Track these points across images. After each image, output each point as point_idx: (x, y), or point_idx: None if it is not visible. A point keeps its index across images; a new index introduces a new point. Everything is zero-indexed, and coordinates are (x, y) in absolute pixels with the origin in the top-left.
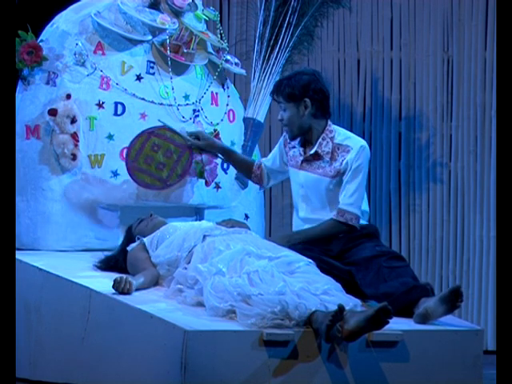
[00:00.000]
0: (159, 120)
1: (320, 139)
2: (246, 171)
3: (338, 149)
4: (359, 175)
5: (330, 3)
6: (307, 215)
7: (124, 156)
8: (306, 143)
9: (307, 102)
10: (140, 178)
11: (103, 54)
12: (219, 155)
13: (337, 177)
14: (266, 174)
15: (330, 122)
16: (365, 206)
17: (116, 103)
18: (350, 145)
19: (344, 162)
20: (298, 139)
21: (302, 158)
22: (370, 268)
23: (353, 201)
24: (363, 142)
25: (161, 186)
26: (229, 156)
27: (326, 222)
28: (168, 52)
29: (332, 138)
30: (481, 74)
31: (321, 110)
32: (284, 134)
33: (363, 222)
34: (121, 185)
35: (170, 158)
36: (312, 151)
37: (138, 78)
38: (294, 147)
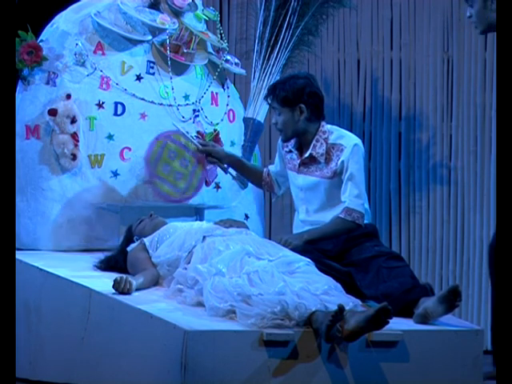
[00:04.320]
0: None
1: (314, 141)
2: (257, 180)
3: (333, 148)
4: (358, 173)
5: (332, 3)
6: (307, 217)
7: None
8: (301, 146)
9: (302, 107)
10: (158, 186)
11: (103, 54)
12: (229, 167)
13: (334, 177)
14: (274, 180)
15: (323, 123)
16: (366, 206)
17: (116, 103)
18: (344, 143)
19: (339, 162)
20: (293, 143)
21: (298, 162)
22: (370, 269)
23: (359, 200)
24: (356, 140)
25: (178, 197)
26: (240, 167)
27: (335, 220)
28: (168, 52)
29: (326, 139)
30: (481, 74)
31: (315, 114)
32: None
33: (365, 221)
34: (121, 185)
35: (186, 168)
36: (307, 154)
37: (138, 78)
38: (290, 151)
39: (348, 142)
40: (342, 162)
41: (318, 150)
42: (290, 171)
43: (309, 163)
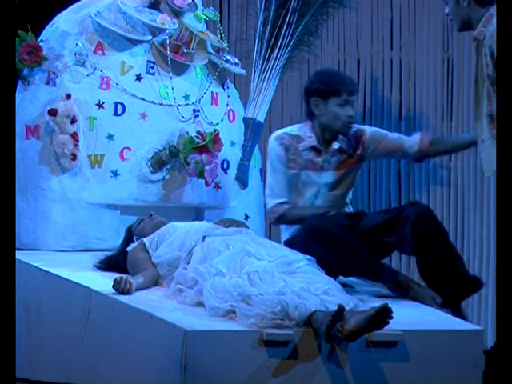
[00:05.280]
0: None
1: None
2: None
3: (352, 137)
4: None
5: (332, 3)
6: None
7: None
8: (325, 142)
9: None
10: None
11: (103, 54)
12: None
13: (362, 162)
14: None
15: None
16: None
17: (116, 103)
18: (360, 128)
19: (365, 146)
20: (308, 143)
21: (321, 159)
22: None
23: None
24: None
25: None
26: None
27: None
28: (168, 52)
29: None
30: None
31: None
32: (280, 143)
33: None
34: (121, 185)
35: None
36: (336, 147)
37: (138, 78)
38: (300, 154)
39: (362, 126)
40: (369, 140)
41: (341, 142)
42: (307, 171)
43: (332, 156)
